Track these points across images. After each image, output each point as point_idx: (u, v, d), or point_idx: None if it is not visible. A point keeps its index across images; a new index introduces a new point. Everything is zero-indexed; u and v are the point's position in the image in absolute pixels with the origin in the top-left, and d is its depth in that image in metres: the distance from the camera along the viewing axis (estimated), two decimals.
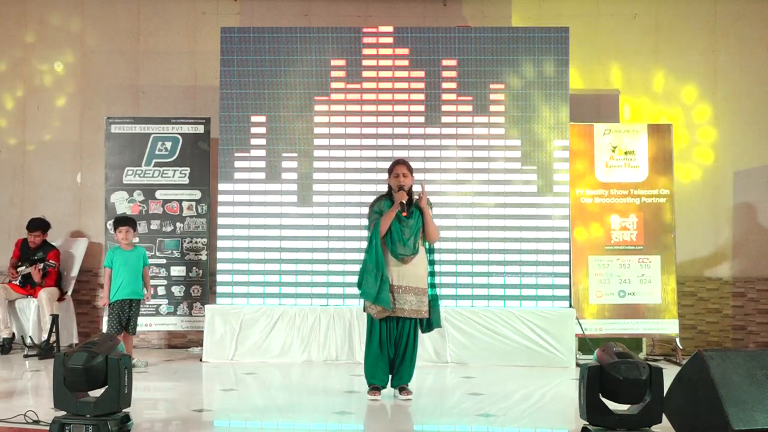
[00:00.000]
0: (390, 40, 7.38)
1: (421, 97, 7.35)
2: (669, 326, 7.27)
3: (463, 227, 7.27)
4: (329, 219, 7.33)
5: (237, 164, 7.36)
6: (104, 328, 7.54)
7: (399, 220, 5.42)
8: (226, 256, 7.32)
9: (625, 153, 7.46)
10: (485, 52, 7.35)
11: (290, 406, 5.33)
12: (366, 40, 7.40)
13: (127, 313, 6.56)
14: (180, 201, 7.72)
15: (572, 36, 7.45)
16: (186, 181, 7.73)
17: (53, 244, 7.92)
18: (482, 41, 7.37)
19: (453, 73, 7.34)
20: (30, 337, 7.48)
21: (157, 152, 7.75)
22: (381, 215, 5.44)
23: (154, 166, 7.75)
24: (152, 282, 7.24)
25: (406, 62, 7.37)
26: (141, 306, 6.77)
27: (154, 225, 7.70)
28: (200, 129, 7.75)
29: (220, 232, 7.35)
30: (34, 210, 8.09)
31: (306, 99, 7.39)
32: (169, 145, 7.74)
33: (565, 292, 7.20)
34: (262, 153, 7.37)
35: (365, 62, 7.38)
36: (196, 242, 7.69)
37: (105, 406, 3.99)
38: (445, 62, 7.34)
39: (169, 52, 8.35)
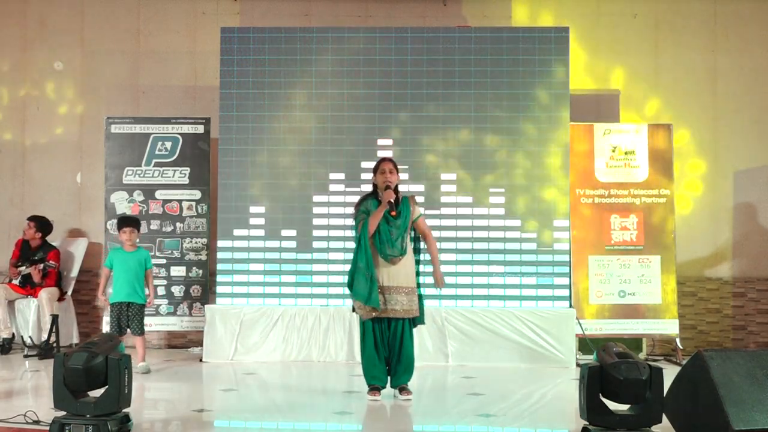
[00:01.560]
0: (390, 40, 7.38)
1: (421, 97, 7.34)
2: (669, 326, 7.27)
3: (463, 227, 7.27)
4: (329, 219, 7.33)
5: (237, 164, 7.36)
6: (103, 329, 7.58)
7: (387, 220, 5.38)
8: (226, 256, 7.32)
9: (625, 153, 7.47)
10: (485, 52, 7.35)
11: (290, 406, 5.33)
12: (366, 40, 7.39)
13: (125, 316, 6.52)
14: (180, 201, 7.72)
15: (572, 36, 7.44)
16: (186, 181, 7.73)
17: (53, 244, 7.92)
18: (482, 41, 7.37)
19: (453, 73, 7.33)
20: (30, 337, 7.48)
21: (157, 152, 7.75)
22: (368, 215, 5.40)
23: (154, 166, 7.75)
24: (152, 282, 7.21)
25: (405, 62, 7.36)
26: (144, 309, 6.65)
27: (154, 225, 7.70)
28: (200, 129, 7.75)
29: (220, 232, 7.35)
30: (34, 210, 8.08)
31: (306, 98, 7.39)
32: (169, 145, 7.75)
33: (565, 292, 7.20)
34: (262, 153, 7.37)
35: (365, 62, 7.37)
36: (196, 242, 7.69)
37: (105, 406, 3.99)
38: (445, 62, 7.34)
39: (169, 52, 8.36)
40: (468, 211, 7.30)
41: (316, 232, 7.32)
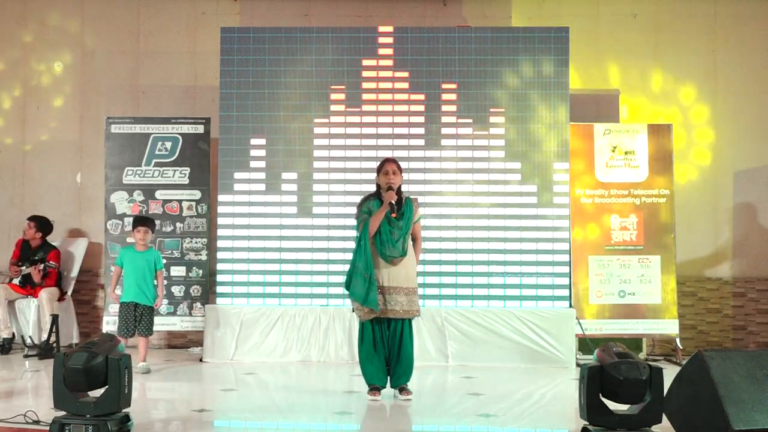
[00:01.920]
0: (390, 40, 7.38)
1: (421, 98, 7.34)
2: (669, 326, 7.27)
3: (463, 227, 7.27)
4: (329, 219, 7.33)
5: (237, 164, 7.36)
6: (103, 329, 7.59)
7: (388, 221, 5.38)
8: (226, 256, 7.32)
9: (625, 153, 7.47)
10: (485, 52, 7.35)
11: (290, 406, 5.33)
12: (366, 40, 7.39)
13: (133, 315, 6.52)
14: (180, 201, 7.72)
15: (572, 36, 7.44)
16: (186, 181, 7.73)
17: (53, 244, 7.92)
18: (482, 41, 7.37)
19: (453, 74, 7.34)
20: (30, 337, 7.48)
21: (157, 152, 7.74)
22: (370, 215, 5.40)
23: (154, 166, 7.75)
24: None
25: (405, 62, 7.36)
26: (153, 310, 6.65)
27: None
28: (200, 129, 7.75)
29: (220, 232, 7.35)
30: (34, 210, 8.08)
31: (305, 98, 7.39)
32: (169, 145, 7.75)
33: (565, 292, 7.20)
34: (262, 153, 7.37)
35: (365, 62, 7.38)
36: (196, 242, 7.69)
37: (105, 406, 3.99)
38: (445, 62, 7.34)
39: (169, 52, 8.36)
40: (468, 211, 7.30)
41: (316, 233, 7.31)
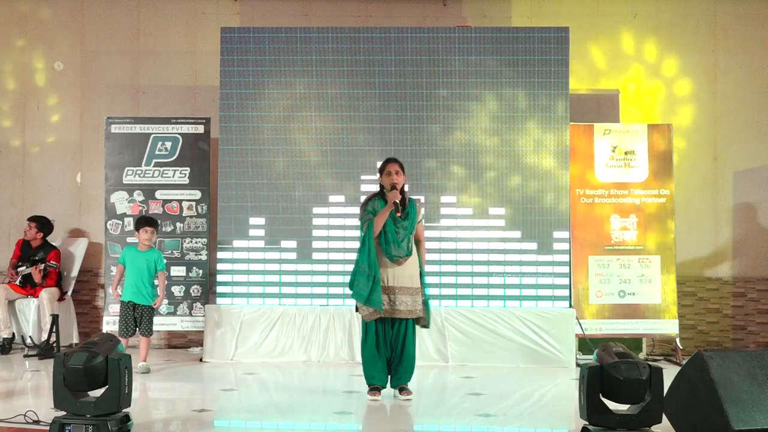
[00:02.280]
0: (390, 40, 7.37)
1: (421, 97, 7.34)
2: (669, 326, 7.27)
3: (463, 227, 7.27)
4: (329, 219, 7.33)
5: (237, 164, 7.36)
6: (104, 329, 7.59)
7: (393, 221, 5.37)
8: (226, 256, 7.32)
9: (625, 153, 7.47)
10: (485, 52, 7.35)
11: (290, 406, 5.33)
12: (366, 40, 7.38)
13: (132, 315, 6.52)
14: (180, 201, 7.72)
15: (572, 36, 7.44)
16: (186, 181, 7.73)
17: (53, 244, 7.92)
18: (482, 41, 7.37)
19: (453, 74, 7.34)
20: (30, 337, 7.48)
21: (157, 152, 7.74)
22: (374, 215, 5.40)
23: (154, 166, 7.75)
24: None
25: (405, 62, 7.36)
26: (152, 310, 6.65)
27: None
28: (200, 129, 7.75)
29: (220, 231, 7.35)
30: (34, 210, 8.09)
31: (305, 98, 7.39)
32: (169, 145, 7.74)
33: (565, 292, 7.20)
34: (262, 153, 7.37)
35: (365, 63, 7.37)
36: (196, 242, 7.69)
37: (105, 406, 3.99)
38: (445, 62, 7.34)
39: (169, 52, 8.36)
40: (468, 211, 7.29)
41: (315, 232, 7.31)
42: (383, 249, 5.37)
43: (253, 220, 7.35)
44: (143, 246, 6.64)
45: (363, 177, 7.31)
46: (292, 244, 7.31)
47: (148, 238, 6.61)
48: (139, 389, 5.64)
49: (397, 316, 5.35)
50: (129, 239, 7.64)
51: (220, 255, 7.34)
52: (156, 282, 6.68)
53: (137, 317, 6.53)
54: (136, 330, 6.54)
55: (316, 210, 7.35)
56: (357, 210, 7.10)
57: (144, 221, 6.71)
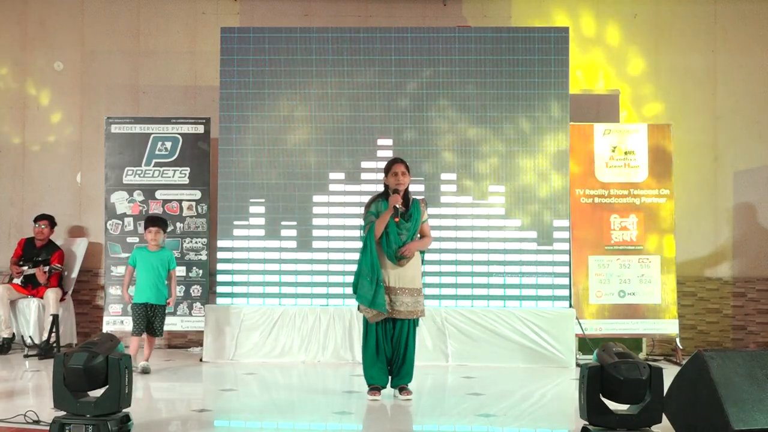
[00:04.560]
0: (390, 40, 7.37)
1: (421, 97, 7.34)
2: (669, 326, 7.27)
3: (463, 227, 7.27)
4: (329, 219, 7.33)
5: (237, 164, 7.36)
6: (104, 329, 7.59)
7: (396, 223, 5.37)
8: (226, 256, 7.32)
9: (625, 153, 7.47)
10: (485, 52, 7.35)
11: (290, 406, 5.33)
12: (366, 40, 7.38)
13: (145, 315, 6.50)
14: (180, 201, 7.72)
15: (572, 36, 7.44)
16: (186, 181, 7.73)
17: (57, 243, 7.93)
18: (482, 41, 7.37)
19: (453, 74, 7.34)
20: (30, 337, 7.48)
21: (157, 152, 7.75)
22: (377, 217, 5.40)
23: (154, 166, 7.75)
24: None
25: (405, 62, 7.36)
26: (165, 309, 6.67)
27: None
28: (200, 129, 7.75)
29: (220, 232, 7.35)
30: (34, 210, 8.09)
31: (306, 98, 7.39)
32: (169, 145, 7.75)
33: (565, 292, 7.20)
34: (262, 153, 7.37)
35: (365, 62, 7.37)
36: (196, 242, 7.69)
37: (105, 406, 3.99)
38: (445, 62, 7.34)
39: (169, 52, 8.36)
40: (468, 211, 7.30)
41: (316, 232, 7.32)
42: (385, 250, 5.38)
43: (253, 221, 7.34)
44: (153, 246, 6.62)
45: (363, 177, 7.30)
46: (293, 244, 7.31)
47: (153, 238, 6.59)
48: (139, 389, 5.64)
49: (397, 316, 5.35)
50: (129, 239, 7.65)
51: (220, 255, 7.33)
52: (167, 282, 6.68)
53: (150, 317, 6.52)
54: (147, 329, 6.52)
55: (316, 210, 7.35)
56: (357, 210, 7.15)
57: (151, 221, 6.70)
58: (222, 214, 7.35)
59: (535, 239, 7.22)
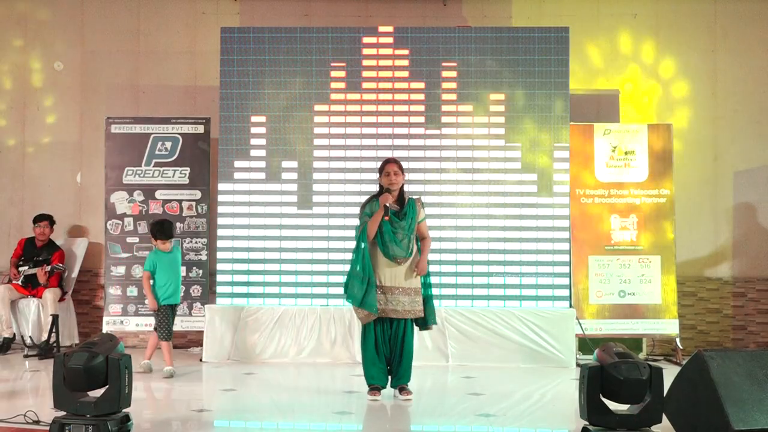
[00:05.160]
0: (390, 40, 7.38)
1: (421, 97, 7.34)
2: (669, 326, 7.27)
3: (463, 227, 7.27)
4: (329, 219, 7.33)
5: (237, 164, 7.36)
6: (104, 329, 7.58)
7: (391, 221, 5.38)
8: (226, 256, 7.32)
9: (625, 153, 7.47)
10: (485, 52, 7.35)
11: (290, 406, 5.33)
12: (366, 40, 7.39)
13: (171, 316, 6.49)
14: (180, 201, 7.72)
15: (572, 36, 7.44)
16: (186, 181, 7.73)
17: (57, 243, 7.93)
18: (482, 41, 7.37)
19: (453, 74, 7.34)
20: (30, 337, 7.48)
21: (157, 152, 7.74)
22: (371, 217, 5.41)
23: (154, 166, 7.75)
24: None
25: (406, 62, 7.36)
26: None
27: None
28: (200, 129, 7.75)
29: (220, 232, 7.35)
30: (33, 210, 8.09)
31: (306, 99, 7.39)
32: (169, 145, 7.74)
33: (565, 292, 7.20)
34: (262, 153, 7.37)
35: (365, 62, 7.38)
36: (196, 242, 7.69)
37: (105, 406, 3.99)
38: (445, 62, 7.34)
39: (169, 52, 8.36)
40: (468, 211, 7.29)
41: (316, 232, 7.31)
42: (381, 249, 5.38)
43: (253, 221, 7.34)
44: (167, 248, 6.55)
45: (363, 177, 7.30)
46: (293, 244, 7.30)
47: (166, 248, 6.48)
48: (139, 389, 5.63)
49: (393, 316, 5.35)
50: (129, 239, 7.66)
51: (220, 255, 7.33)
52: None
53: (173, 317, 6.52)
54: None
55: (316, 210, 7.35)
56: (356, 210, 7.13)
57: (160, 233, 6.45)
58: (222, 214, 7.34)
59: (536, 239, 7.22)
